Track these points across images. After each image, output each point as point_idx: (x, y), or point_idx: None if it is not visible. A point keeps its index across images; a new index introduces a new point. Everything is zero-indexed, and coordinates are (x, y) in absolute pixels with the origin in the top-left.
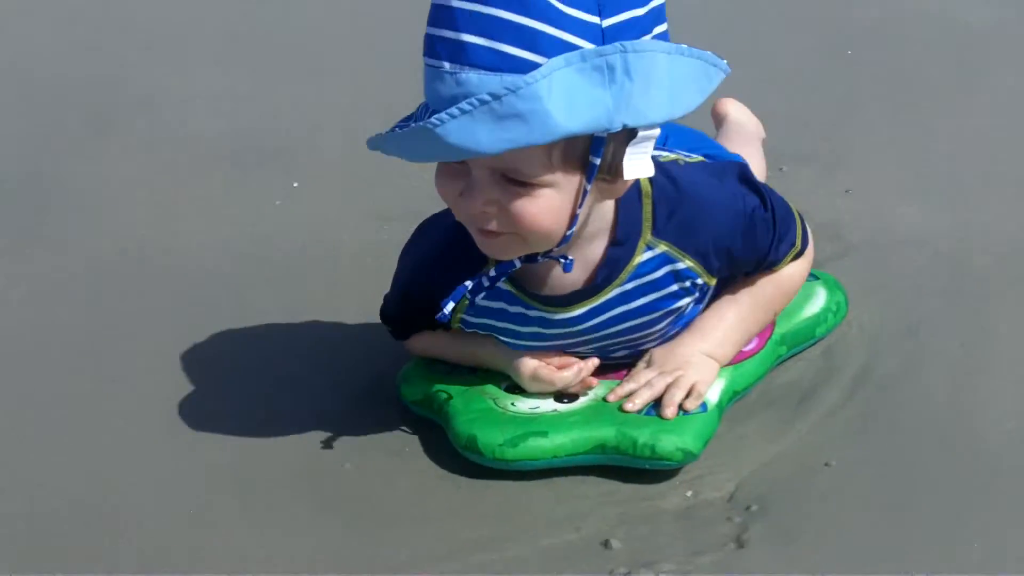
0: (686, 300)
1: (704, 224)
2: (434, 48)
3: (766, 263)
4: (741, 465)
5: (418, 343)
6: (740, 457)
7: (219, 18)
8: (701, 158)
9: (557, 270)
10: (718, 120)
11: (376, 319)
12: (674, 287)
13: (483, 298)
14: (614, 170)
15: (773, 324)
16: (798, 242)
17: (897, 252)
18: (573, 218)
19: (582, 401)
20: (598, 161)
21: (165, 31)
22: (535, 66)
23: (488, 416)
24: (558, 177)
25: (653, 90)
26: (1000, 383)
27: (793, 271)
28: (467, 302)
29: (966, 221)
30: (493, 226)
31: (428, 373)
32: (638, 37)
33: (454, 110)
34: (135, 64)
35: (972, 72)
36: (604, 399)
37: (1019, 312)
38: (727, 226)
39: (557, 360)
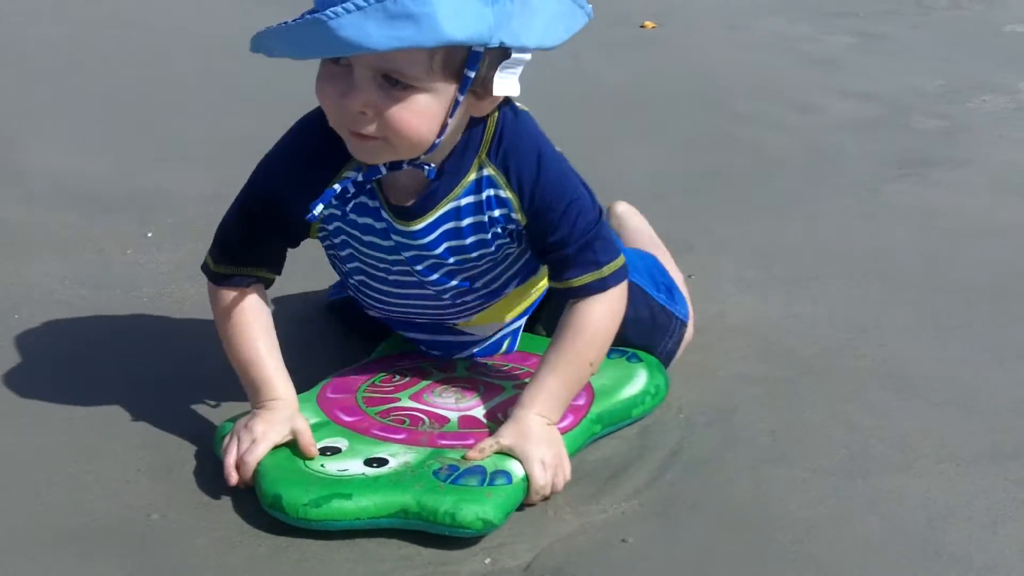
0: (509, 228)
1: (527, 158)
2: None
3: (562, 258)
4: (541, 536)
5: (224, 301)
6: (542, 529)
7: (85, 58)
8: None
9: (404, 180)
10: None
11: (207, 376)
12: (496, 212)
13: (355, 212)
14: (485, 86)
15: (590, 403)
16: (604, 271)
17: (726, 339)
18: (443, 127)
19: (391, 466)
20: (472, 74)
21: (28, 70)
22: None
23: (295, 476)
24: (436, 84)
25: (530, 16)
26: (801, 473)
27: (596, 321)
28: (323, 215)
29: (798, 313)
30: (368, 130)
31: None
32: None
33: (349, 5)
34: None
35: (830, 167)
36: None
37: (833, 405)
38: (548, 175)
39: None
